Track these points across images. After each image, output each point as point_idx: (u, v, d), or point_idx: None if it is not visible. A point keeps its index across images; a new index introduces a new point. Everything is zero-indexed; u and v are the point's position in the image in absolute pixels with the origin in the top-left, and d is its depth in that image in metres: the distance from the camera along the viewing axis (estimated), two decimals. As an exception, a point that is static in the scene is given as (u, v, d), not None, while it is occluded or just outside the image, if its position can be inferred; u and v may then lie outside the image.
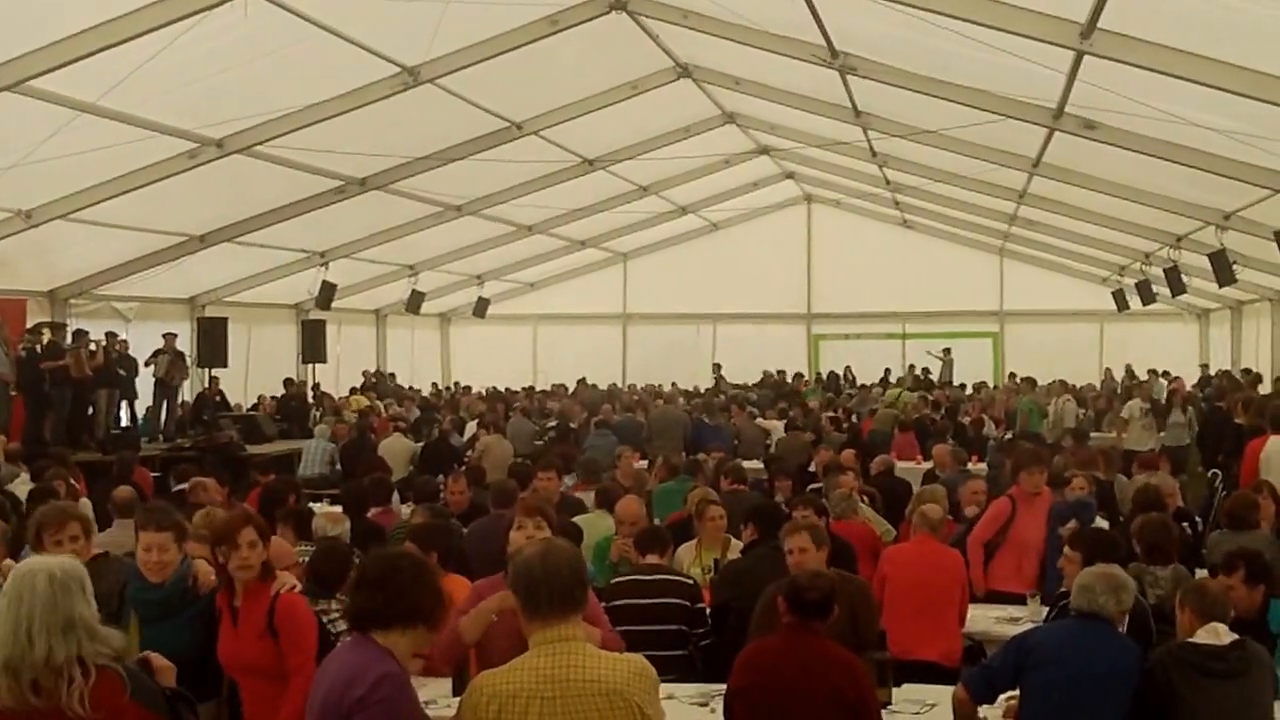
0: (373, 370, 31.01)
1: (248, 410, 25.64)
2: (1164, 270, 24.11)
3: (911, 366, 33.78)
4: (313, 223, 22.51)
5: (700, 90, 21.63)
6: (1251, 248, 19.98)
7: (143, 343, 22.95)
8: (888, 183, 27.68)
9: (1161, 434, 21.19)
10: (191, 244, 21.92)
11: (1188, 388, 26.06)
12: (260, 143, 17.58)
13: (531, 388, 32.38)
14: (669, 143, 23.95)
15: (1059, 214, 24.86)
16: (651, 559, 8.64)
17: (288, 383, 26.96)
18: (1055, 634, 6.69)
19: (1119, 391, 28.20)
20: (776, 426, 22.13)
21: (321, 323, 27.93)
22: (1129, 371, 30.25)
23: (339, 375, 30.41)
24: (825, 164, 27.87)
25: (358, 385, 29.22)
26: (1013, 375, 29.40)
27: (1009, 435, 21.20)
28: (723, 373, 33.87)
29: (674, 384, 32.09)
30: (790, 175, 32.07)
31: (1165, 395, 23.31)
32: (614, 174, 25.50)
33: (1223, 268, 20.26)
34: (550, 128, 20.79)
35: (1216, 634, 6.36)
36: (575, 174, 24.13)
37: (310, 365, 28.34)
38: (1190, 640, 6.41)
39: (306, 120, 17.10)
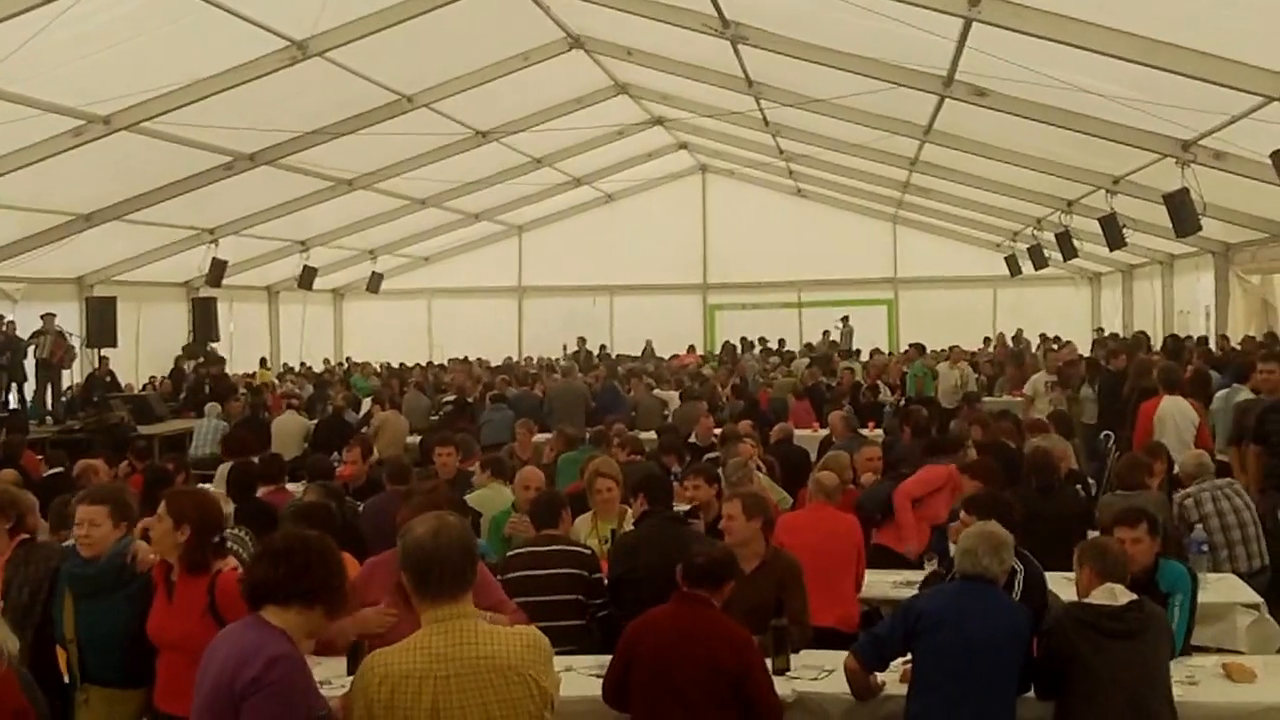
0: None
1: (140, 390, 25.24)
2: (1055, 235, 24.40)
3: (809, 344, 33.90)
4: (202, 199, 22.18)
5: (592, 61, 21.56)
6: (1141, 211, 20.23)
7: (31, 324, 22.49)
8: (781, 152, 27.75)
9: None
10: (78, 223, 21.51)
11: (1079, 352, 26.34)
12: (147, 119, 17.31)
13: (429, 362, 32.17)
14: (562, 114, 23.90)
15: (951, 181, 25.07)
16: (548, 532, 8.54)
17: (178, 360, 26.57)
18: (943, 599, 6.64)
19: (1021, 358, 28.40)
20: (673, 397, 22.13)
21: (212, 300, 27.52)
22: (1036, 339, 30.39)
23: (232, 353, 29.97)
24: (719, 134, 27.97)
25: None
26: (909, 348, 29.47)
27: (903, 401, 21.35)
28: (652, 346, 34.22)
29: (566, 356, 32.04)
30: (684, 146, 32.17)
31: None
32: (507, 146, 25.35)
33: (1113, 231, 20.53)
34: (442, 100, 20.61)
35: (1113, 594, 6.42)
36: (468, 146, 23.94)
37: (204, 344, 27.88)
38: (1087, 601, 6.48)
39: (194, 96, 16.89)
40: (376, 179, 24.74)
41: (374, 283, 33.15)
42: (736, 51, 18.00)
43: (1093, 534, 8.89)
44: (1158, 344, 22.92)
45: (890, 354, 30.66)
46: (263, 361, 28.55)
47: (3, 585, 7.07)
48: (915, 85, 16.94)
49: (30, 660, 5.99)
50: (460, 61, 19.58)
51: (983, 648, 6.24)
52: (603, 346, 34.11)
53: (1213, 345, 21.36)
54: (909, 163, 24.30)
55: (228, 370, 28.06)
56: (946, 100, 17.33)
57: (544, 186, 31.22)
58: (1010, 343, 30.99)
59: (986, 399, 21.66)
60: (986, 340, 32.15)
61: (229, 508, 9.83)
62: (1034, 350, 28.87)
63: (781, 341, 33.81)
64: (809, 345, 32.95)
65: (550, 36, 19.80)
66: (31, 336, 22.03)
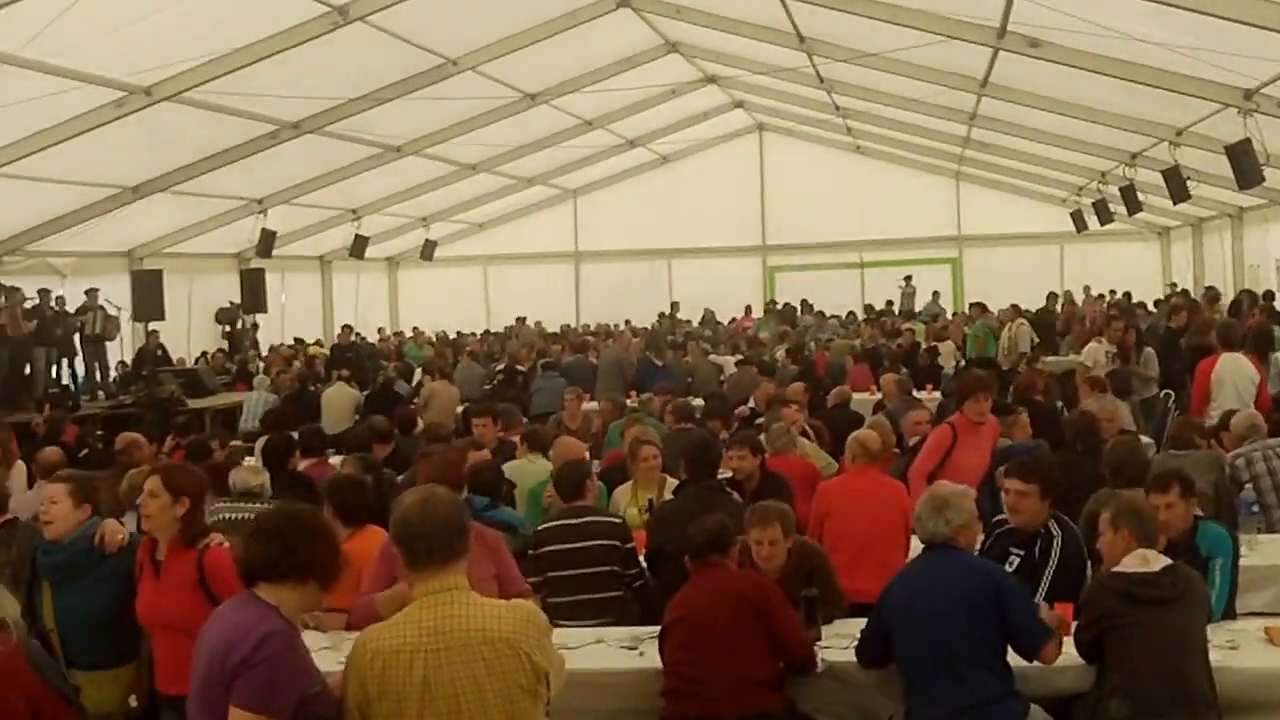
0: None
1: (193, 363, 25.32)
2: (1120, 189, 23.91)
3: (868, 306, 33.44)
4: (249, 169, 22.04)
5: (641, 19, 21.18)
6: (1208, 163, 19.78)
7: (81, 298, 22.54)
8: (838, 109, 27.35)
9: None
10: (125, 195, 21.46)
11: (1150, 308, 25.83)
12: (189, 89, 17.16)
13: (486, 331, 32.04)
14: (612, 75, 23.57)
15: (1012, 135, 24.65)
16: (579, 504, 8.41)
17: (231, 330, 26.68)
18: (906, 576, 6.63)
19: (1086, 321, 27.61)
20: (729, 362, 21.86)
21: (260, 271, 27.48)
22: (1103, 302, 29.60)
23: (284, 324, 29.97)
24: (775, 92, 27.53)
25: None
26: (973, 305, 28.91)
27: (963, 362, 20.95)
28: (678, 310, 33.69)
29: (628, 322, 31.81)
30: (740, 104, 31.78)
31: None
32: (557, 108, 25.06)
33: (1177, 185, 20.12)
34: (488, 63, 20.30)
35: (1146, 560, 6.30)
36: (517, 109, 23.67)
37: (253, 315, 27.94)
38: (1120, 570, 6.33)
39: (235, 64, 16.72)
40: (425, 144, 24.51)
41: (427, 250, 32.93)
42: (786, 7, 17.71)
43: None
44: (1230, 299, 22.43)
45: (955, 314, 30.21)
46: (314, 341, 28.50)
47: None
48: (967, 37, 16.63)
49: None
50: (505, 23, 19.30)
51: (943, 617, 6.16)
52: (662, 314, 33.71)
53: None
54: (968, 117, 23.89)
55: (280, 342, 28.14)
56: (1000, 52, 16.99)
57: (597, 149, 30.97)
58: (1079, 301, 30.31)
59: (1050, 359, 21.28)
60: (1069, 294, 31.27)
61: (262, 478, 9.71)
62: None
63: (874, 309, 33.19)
64: (869, 307, 32.58)
65: (596, -5, 19.51)
66: (77, 312, 22.07)
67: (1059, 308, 28.74)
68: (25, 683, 5.18)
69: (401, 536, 4.60)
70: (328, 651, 6.30)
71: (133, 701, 6.64)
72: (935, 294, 33.49)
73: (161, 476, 6.34)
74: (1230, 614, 7.23)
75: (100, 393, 22.18)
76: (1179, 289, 28.35)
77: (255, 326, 28.84)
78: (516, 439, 12.14)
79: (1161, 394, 15.39)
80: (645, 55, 23.72)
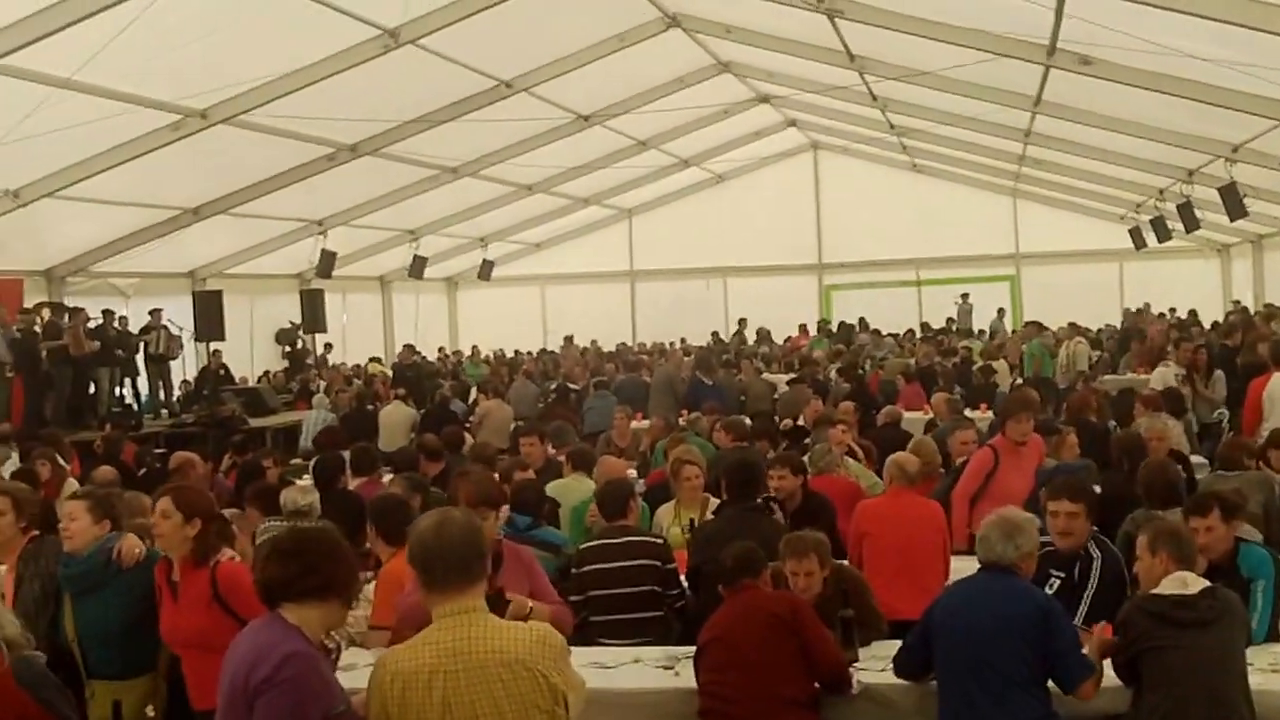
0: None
1: (255, 382, 25.59)
2: (1177, 206, 23.71)
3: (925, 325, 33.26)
4: (308, 191, 22.31)
5: (692, 40, 21.31)
6: (1266, 179, 19.60)
7: (144, 319, 22.89)
8: (892, 127, 27.30)
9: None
10: (185, 217, 21.81)
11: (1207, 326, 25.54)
12: (244, 112, 17.40)
13: (542, 349, 32.20)
14: (664, 95, 23.69)
15: (1068, 153, 24.54)
16: (620, 524, 8.40)
17: (291, 351, 26.94)
18: (956, 592, 6.60)
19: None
20: (783, 380, 21.81)
21: (320, 292, 27.80)
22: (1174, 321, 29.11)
23: (346, 344, 30.20)
24: (828, 110, 27.47)
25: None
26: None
27: (1019, 381, 20.81)
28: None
29: (683, 339, 31.83)
30: (793, 123, 31.74)
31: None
32: (611, 129, 25.25)
33: (1233, 201, 19.97)
34: (541, 84, 20.52)
35: (1184, 583, 6.19)
36: (571, 130, 23.87)
37: (312, 335, 28.18)
38: (1157, 592, 6.24)
39: (289, 88, 16.92)
40: (482, 166, 24.73)
41: (485, 270, 33.19)
42: (835, 25, 17.68)
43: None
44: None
45: (1014, 331, 29.99)
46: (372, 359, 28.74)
47: (15, 579, 7.21)
48: (1018, 55, 16.61)
49: (50, 658, 6.08)
50: (556, 45, 19.49)
51: (988, 636, 6.10)
52: (715, 333, 33.65)
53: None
54: (1023, 135, 23.79)
55: (341, 361, 28.39)
56: (1053, 70, 16.93)
57: (652, 169, 31.09)
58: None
59: (1108, 377, 21.12)
60: (1129, 312, 30.86)
61: (311, 498, 9.79)
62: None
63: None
64: (925, 325, 32.43)
65: (646, 16, 19.61)
66: (141, 332, 22.38)
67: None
68: (17, 702, 5.24)
69: (418, 559, 4.62)
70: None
71: (150, 712, 6.71)
72: (1000, 311, 33.31)
73: (172, 497, 6.36)
74: (1273, 636, 7.09)
75: (164, 411, 22.49)
76: (1240, 306, 28.03)
77: (329, 347, 29.16)
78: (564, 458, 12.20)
79: (1215, 413, 15.22)
80: (697, 75, 23.81)
